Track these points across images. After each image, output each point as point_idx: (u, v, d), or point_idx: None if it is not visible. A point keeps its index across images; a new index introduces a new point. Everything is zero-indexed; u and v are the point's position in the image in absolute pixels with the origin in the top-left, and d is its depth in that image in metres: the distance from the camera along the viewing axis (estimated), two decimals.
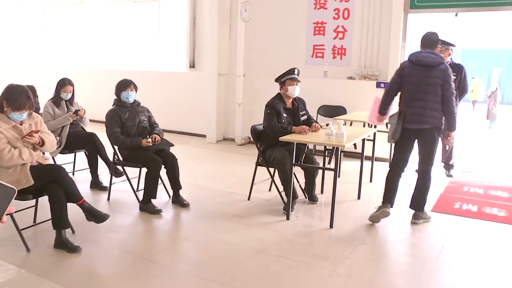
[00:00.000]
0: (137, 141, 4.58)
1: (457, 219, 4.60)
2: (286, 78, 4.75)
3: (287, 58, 7.88)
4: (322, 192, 5.27)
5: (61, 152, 5.24)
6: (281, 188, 4.68)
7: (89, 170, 5.35)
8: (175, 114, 9.15)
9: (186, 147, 7.98)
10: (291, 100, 4.84)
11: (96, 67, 10.50)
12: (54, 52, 11.52)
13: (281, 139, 4.30)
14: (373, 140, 5.85)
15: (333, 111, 7.17)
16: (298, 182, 5.22)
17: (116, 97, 4.80)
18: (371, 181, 5.90)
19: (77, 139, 5.28)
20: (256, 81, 8.11)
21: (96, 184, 5.28)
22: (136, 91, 4.85)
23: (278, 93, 4.85)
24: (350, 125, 6.31)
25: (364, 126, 6.54)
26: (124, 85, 4.76)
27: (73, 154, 5.63)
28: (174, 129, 9.16)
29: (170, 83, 9.23)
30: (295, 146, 4.30)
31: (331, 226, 4.24)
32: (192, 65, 8.91)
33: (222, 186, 5.58)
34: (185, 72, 9.03)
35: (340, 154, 4.10)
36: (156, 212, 4.51)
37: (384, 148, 6.89)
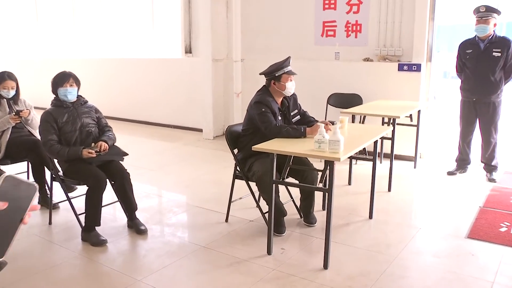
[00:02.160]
0: (76, 151, 3.54)
1: (506, 251, 3.36)
2: (283, 72, 3.58)
3: (292, 39, 6.67)
4: (324, 208, 4.12)
5: (1, 163, 4.25)
6: (265, 207, 3.56)
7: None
8: (170, 106, 8.10)
9: (177, 144, 6.92)
10: (281, 98, 3.70)
11: (87, 56, 9.53)
12: (43, 40, 10.58)
13: (255, 148, 3.15)
14: (392, 139, 4.62)
15: (346, 100, 5.95)
16: (292, 198, 4.09)
17: (54, 96, 3.76)
18: (389, 189, 4.68)
19: (20, 147, 4.28)
20: (258, 67, 6.87)
21: (44, 201, 4.28)
22: (78, 86, 3.79)
23: (265, 88, 3.70)
24: (363, 121, 5.10)
25: (383, 122, 5.33)
26: (60, 80, 3.70)
27: (26, 163, 4.63)
28: (169, 122, 8.12)
29: (164, 71, 8.15)
30: (275, 157, 3.14)
31: (325, 267, 3.09)
32: (189, 50, 7.80)
33: (201, 199, 4.50)
34: (180, 58, 7.93)
35: (333, 169, 2.93)
36: (99, 243, 3.48)
37: (407, 144, 5.65)
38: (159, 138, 7.43)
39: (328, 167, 2.96)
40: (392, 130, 4.53)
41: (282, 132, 3.36)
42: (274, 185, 3.20)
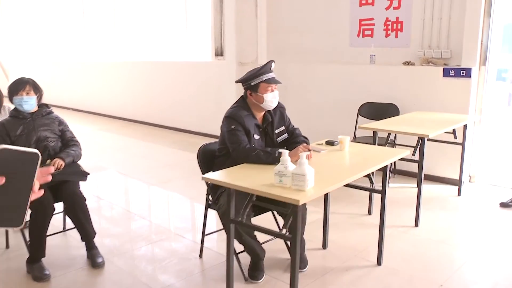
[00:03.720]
0: None
1: None
2: (260, 80, 2.87)
3: (325, 40, 5.90)
4: (324, 246, 3.35)
5: None
6: (239, 246, 2.87)
7: None
8: (199, 112, 7.58)
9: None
10: (263, 113, 2.98)
11: (118, 59, 9.28)
12: (84, 43, 10.51)
13: (204, 178, 2.47)
14: (420, 162, 3.72)
15: (380, 111, 5.08)
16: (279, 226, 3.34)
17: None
18: (416, 224, 3.79)
19: None
20: (287, 71, 6.20)
21: None
22: (38, 94, 3.31)
23: (242, 99, 3.00)
24: (391, 141, 4.23)
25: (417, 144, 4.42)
26: (15, 88, 3.24)
27: None
28: (198, 130, 7.59)
29: (194, 75, 7.64)
30: (233, 191, 2.44)
31: None
32: (220, 53, 7.23)
33: (189, 225, 3.90)
34: (210, 62, 7.39)
35: (297, 213, 2.18)
36: (39, 277, 2.96)
37: (454, 164, 4.69)
38: (182, 147, 6.92)
39: (292, 210, 2.20)
40: (421, 152, 3.64)
41: (251, 157, 2.65)
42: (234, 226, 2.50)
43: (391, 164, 4.33)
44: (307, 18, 6.03)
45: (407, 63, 5.14)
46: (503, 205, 4.21)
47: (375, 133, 3.91)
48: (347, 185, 2.90)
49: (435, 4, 4.95)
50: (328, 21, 5.84)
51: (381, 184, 2.97)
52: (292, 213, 2.19)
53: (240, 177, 2.44)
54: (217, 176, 2.45)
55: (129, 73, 8.86)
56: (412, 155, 3.95)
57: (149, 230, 3.85)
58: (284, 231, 2.31)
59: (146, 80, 8.44)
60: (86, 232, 3.18)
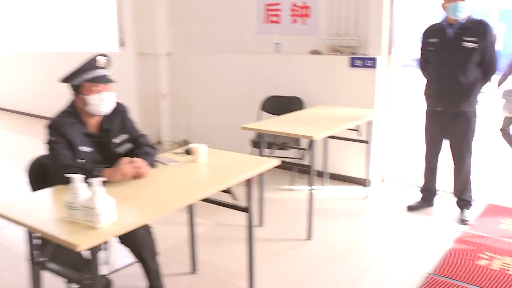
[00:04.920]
0: None
1: None
2: (81, 79, 2.27)
3: (231, 27, 5.34)
4: (194, 270, 2.82)
5: None
6: None
7: None
8: None
9: None
10: (99, 119, 2.39)
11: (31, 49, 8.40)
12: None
13: None
14: (310, 167, 3.24)
15: (283, 105, 4.58)
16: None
17: None
18: (309, 237, 3.33)
19: None
20: (191, 61, 5.62)
21: None
22: None
23: (72, 103, 2.39)
24: (282, 143, 3.74)
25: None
26: None
27: None
28: None
29: None
30: None
31: None
32: (123, 43, 6.53)
33: None
34: (115, 52, 6.67)
35: (96, 258, 1.63)
36: None
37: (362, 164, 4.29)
38: None
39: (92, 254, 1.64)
40: (310, 155, 3.17)
41: (65, 176, 2.06)
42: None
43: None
44: (212, 5, 5.45)
45: (315, 52, 4.68)
46: (411, 208, 3.83)
47: (260, 134, 3.40)
48: (206, 200, 2.39)
49: None
50: (234, 6, 5.29)
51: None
52: (92, 258, 1.62)
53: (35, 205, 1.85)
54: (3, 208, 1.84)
55: (30, 65, 8.02)
56: (300, 158, 3.48)
57: None
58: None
59: (49, 71, 7.62)
60: None
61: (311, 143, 3.18)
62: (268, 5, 5.06)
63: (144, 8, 5.71)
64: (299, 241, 3.29)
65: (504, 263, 2.94)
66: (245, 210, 2.47)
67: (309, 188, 3.25)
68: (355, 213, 3.85)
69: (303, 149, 3.49)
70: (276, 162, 2.49)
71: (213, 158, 2.49)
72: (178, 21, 5.68)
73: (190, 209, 2.76)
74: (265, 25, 5.13)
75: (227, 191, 2.35)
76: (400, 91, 4.43)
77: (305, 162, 3.37)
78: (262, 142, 3.44)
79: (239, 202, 2.47)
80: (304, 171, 4.63)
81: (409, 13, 4.39)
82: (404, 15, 4.36)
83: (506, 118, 4.93)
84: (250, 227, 2.51)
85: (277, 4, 4.99)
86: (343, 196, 4.21)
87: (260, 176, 3.31)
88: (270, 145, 3.78)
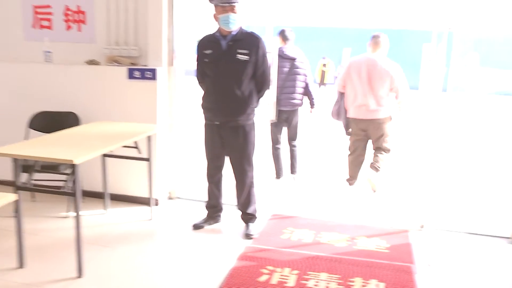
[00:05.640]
0: None
1: None
2: None
3: None
4: None
5: None
6: None
7: None
8: None
9: None
10: None
11: None
12: None
13: None
14: (74, 193, 2.80)
15: (56, 122, 4.01)
16: None
17: None
18: (80, 275, 2.87)
19: None
20: None
21: None
22: None
23: None
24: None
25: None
26: None
27: None
28: None
29: None
30: None
31: None
32: None
33: None
34: None
35: None
36: None
37: (131, 180, 3.97)
38: None
39: None
40: (75, 180, 2.72)
41: None
42: None
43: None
44: None
45: (92, 62, 4.22)
46: (196, 227, 3.66)
47: (15, 159, 2.82)
48: None
49: None
50: None
51: None
52: None
53: None
54: None
55: None
56: (64, 186, 3.03)
57: None
58: None
59: None
60: None
61: (74, 168, 2.74)
62: (37, 7, 4.42)
63: None
64: (68, 280, 2.82)
65: (283, 275, 2.94)
66: None
67: (75, 214, 2.79)
68: (138, 237, 3.52)
69: (65, 173, 3.03)
70: (14, 196, 2.00)
71: None
72: None
73: None
74: (34, 30, 4.47)
75: None
76: (184, 103, 4.26)
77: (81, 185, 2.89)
78: (17, 166, 2.87)
79: None
80: (86, 193, 4.14)
81: (191, 22, 4.26)
82: (185, 24, 4.22)
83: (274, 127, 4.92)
84: None
85: (47, 6, 4.39)
86: (127, 219, 3.84)
87: (17, 206, 2.74)
88: (26, 169, 3.22)
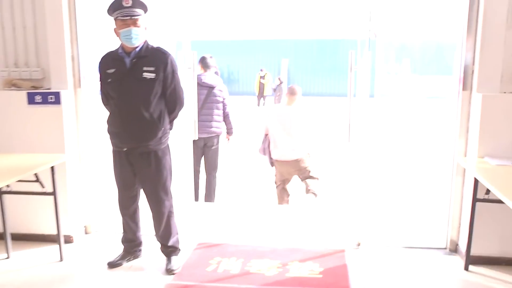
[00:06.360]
0: None
1: None
2: None
3: None
4: None
5: None
6: None
7: None
8: None
9: None
10: None
11: None
12: None
13: None
14: None
15: None
16: None
17: None
18: None
19: None
20: None
21: None
22: None
23: None
24: None
25: None
26: None
27: None
28: None
29: None
30: None
31: None
32: None
33: None
34: None
35: None
36: None
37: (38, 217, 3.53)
38: None
39: None
40: None
41: None
42: None
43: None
44: None
45: None
46: (112, 265, 3.28)
47: None
48: None
49: (14, 6, 3.70)
50: None
51: None
52: None
53: None
54: None
55: None
56: None
57: None
58: None
59: None
60: None
61: None
62: None
63: None
64: None
65: None
66: None
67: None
68: (46, 283, 3.09)
69: None
70: None
71: None
72: None
73: None
74: None
75: None
76: (96, 128, 3.86)
77: None
78: None
79: None
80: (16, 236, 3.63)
81: (99, 37, 3.88)
82: (92, 40, 3.84)
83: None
84: None
85: None
86: (34, 262, 3.39)
87: None
88: None
